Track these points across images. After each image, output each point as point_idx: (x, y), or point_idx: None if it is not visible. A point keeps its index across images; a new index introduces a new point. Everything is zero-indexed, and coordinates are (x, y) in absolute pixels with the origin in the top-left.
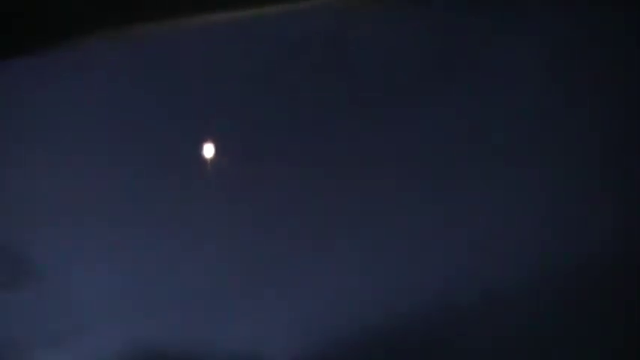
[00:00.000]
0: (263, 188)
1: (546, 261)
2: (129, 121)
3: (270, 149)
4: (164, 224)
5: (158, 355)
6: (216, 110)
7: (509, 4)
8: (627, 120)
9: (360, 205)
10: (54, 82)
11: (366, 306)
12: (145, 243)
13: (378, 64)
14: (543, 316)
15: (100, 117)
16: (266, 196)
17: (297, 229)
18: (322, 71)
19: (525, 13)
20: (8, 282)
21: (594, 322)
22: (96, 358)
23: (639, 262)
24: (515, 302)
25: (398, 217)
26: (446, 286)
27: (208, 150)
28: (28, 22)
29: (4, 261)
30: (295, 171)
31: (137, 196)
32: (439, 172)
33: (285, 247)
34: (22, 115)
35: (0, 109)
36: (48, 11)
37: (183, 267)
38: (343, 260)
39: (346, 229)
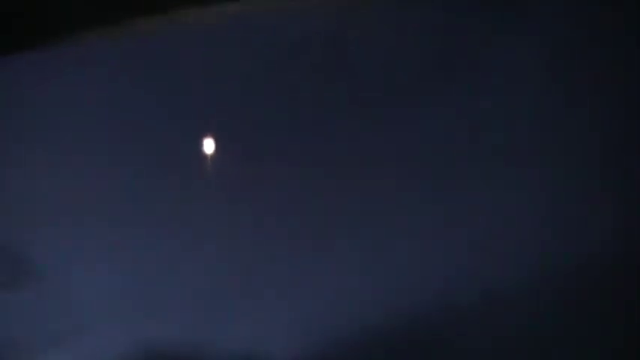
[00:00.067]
0: (263, 188)
1: (546, 261)
2: (129, 120)
3: (270, 149)
4: (164, 224)
5: (158, 355)
6: (216, 110)
7: (509, 4)
8: (627, 120)
9: (360, 205)
10: (54, 82)
11: (366, 306)
12: (145, 243)
13: (378, 64)
14: (543, 316)
15: (99, 117)
16: (266, 196)
17: (297, 229)
18: (322, 71)
19: (525, 13)
20: (8, 282)
21: (594, 322)
22: (96, 358)
23: (639, 262)
24: (515, 302)
25: (398, 217)
26: (446, 286)
27: (208, 150)
28: (27, 19)
29: (4, 261)
30: (295, 171)
31: (137, 196)
32: (439, 172)
33: (285, 247)
34: (21, 115)
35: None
36: (48, 9)
37: (183, 267)
38: (343, 260)
39: (346, 229)
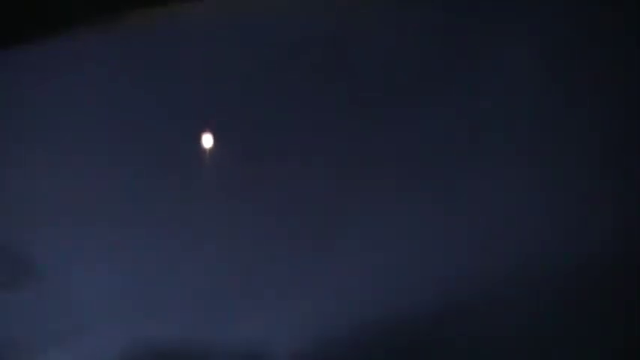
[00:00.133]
0: (263, 188)
1: (546, 261)
2: (128, 120)
3: (270, 149)
4: (164, 224)
5: (158, 355)
6: (216, 110)
7: (509, 4)
8: (627, 120)
9: (360, 205)
10: (54, 82)
11: (366, 306)
12: (144, 243)
13: (378, 64)
14: (543, 316)
15: (99, 116)
16: (266, 195)
17: (297, 229)
18: (322, 71)
19: (525, 13)
20: (8, 282)
21: (594, 322)
22: (96, 358)
23: (639, 262)
24: (515, 302)
25: (398, 217)
26: (446, 285)
27: (208, 149)
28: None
29: (4, 261)
30: (295, 171)
31: (137, 196)
32: (439, 172)
33: (285, 247)
34: (21, 115)
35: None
36: (47, 5)
37: (183, 267)
38: (343, 260)
39: (346, 229)
